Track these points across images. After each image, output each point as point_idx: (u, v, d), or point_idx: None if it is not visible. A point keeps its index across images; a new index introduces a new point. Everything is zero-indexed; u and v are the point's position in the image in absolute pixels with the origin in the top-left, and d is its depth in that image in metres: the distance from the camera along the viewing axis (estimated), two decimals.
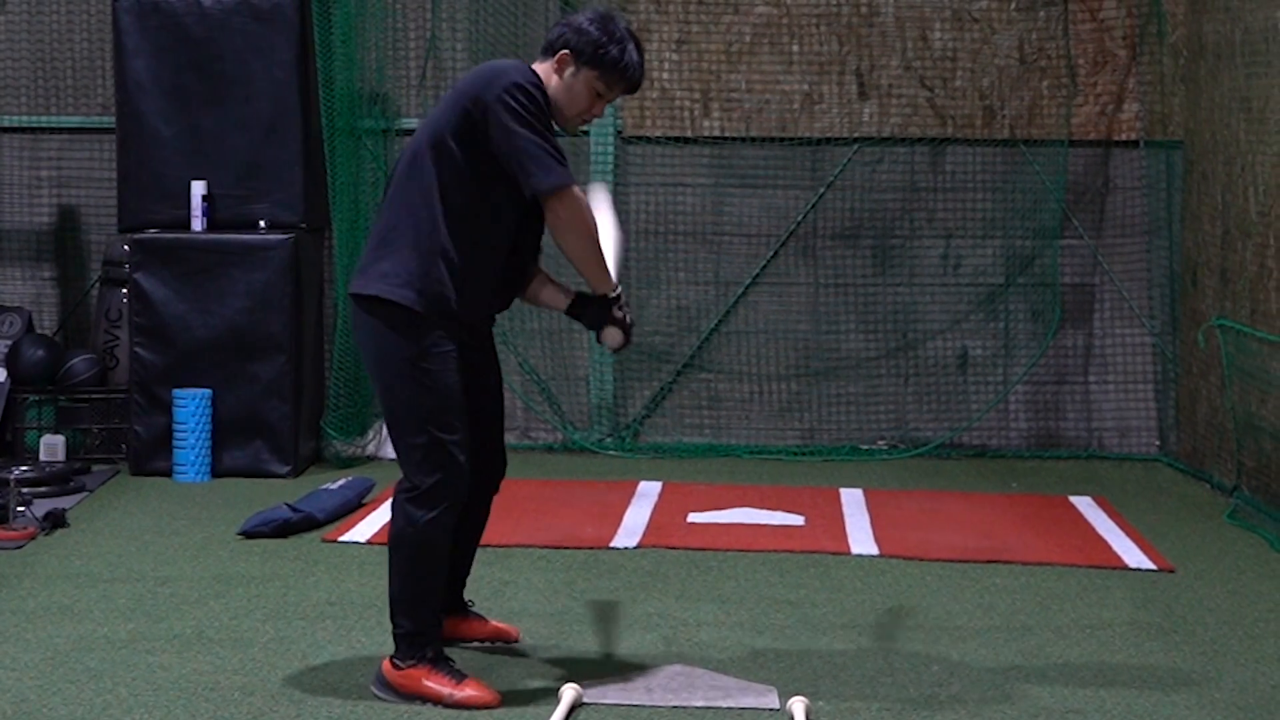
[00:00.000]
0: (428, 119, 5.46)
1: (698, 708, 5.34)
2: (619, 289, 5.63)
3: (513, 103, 5.21)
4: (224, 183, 9.35)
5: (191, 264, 9.16)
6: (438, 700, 5.28)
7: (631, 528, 7.95)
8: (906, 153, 10.31)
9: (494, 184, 5.32)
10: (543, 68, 5.42)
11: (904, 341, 10.35)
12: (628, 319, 5.64)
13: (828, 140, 10.29)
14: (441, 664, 5.35)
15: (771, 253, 10.32)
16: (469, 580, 5.95)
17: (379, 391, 5.44)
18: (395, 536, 5.36)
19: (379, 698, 5.36)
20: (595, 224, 5.44)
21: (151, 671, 5.61)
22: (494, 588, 6.70)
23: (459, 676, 5.33)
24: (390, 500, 5.46)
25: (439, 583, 5.39)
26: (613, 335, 5.64)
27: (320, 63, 9.48)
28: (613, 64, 5.37)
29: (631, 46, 5.40)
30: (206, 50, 9.36)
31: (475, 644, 5.92)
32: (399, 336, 5.29)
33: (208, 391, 9.03)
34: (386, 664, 5.38)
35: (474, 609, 6.01)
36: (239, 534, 7.67)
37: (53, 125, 10.35)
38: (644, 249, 10.34)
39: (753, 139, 10.31)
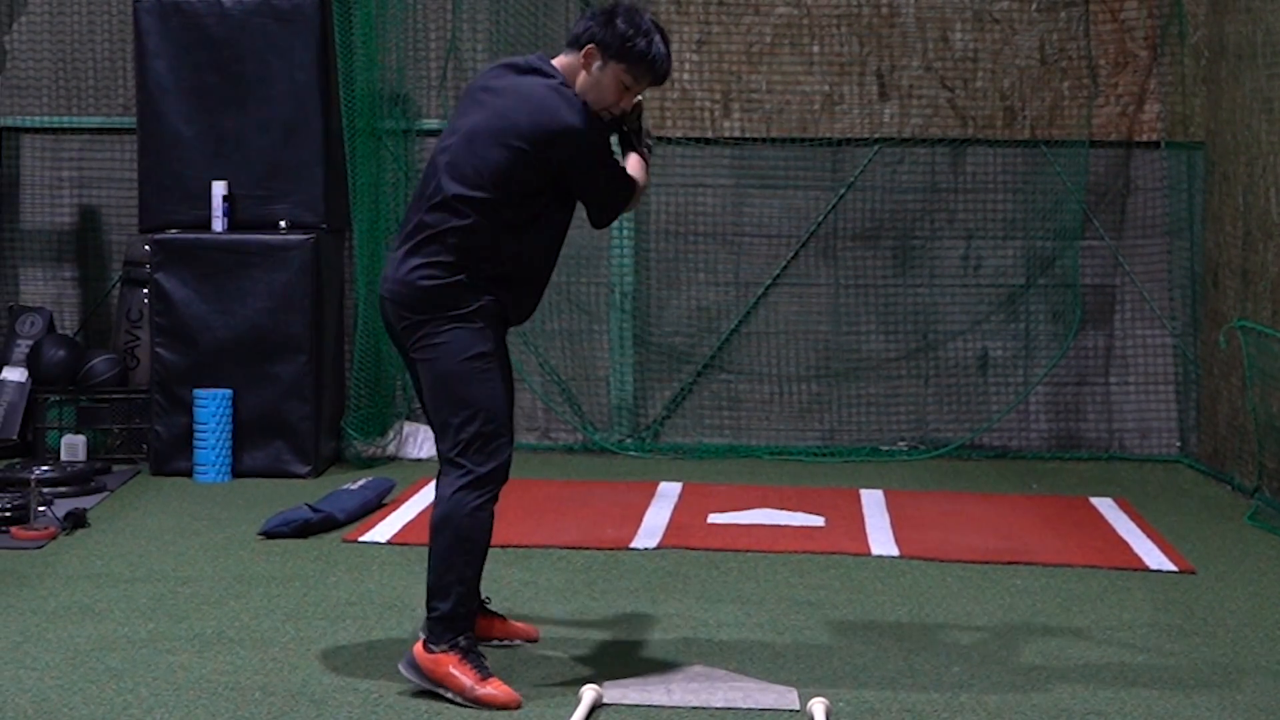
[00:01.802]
0: (458, 140, 5.49)
1: (718, 708, 5.33)
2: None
3: (589, 150, 5.41)
4: (245, 183, 9.37)
5: (212, 264, 9.18)
6: (459, 690, 5.30)
7: (652, 528, 7.95)
8: (927, 153, 10.30)
9: (547, 204, 5.48)
10: (567, 60, 5.45)
11: (924, 342, 10.34)
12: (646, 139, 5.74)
13: (848, 141, 10.28)
14: (472, 656, 5.37)
15: (792, 253, 10.31)
16: (485, 580, 5.95)
17: (433, 380, 5.48)
18: (441, 519, 5.42)
19: (404, 676, 5.39)
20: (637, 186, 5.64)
21: (172, 671, 5.62)
22: (514, 588, 6.70)
23: (485, 673, 5.34)
24: (435, 487, 5.55)
25: (478, 570, 5.45)
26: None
27: (341, 63, 9.50)
28: (640, 56, 5.39)
29: (658, 38, 5.43)
30: (227, 51, 9.38)
31: (494, 643, 5.92)
32: (466, 330, 5.39)
33: (228, 392, 9.05)
34: (419, 645, 5.41)
35: (490, 606, 6.02)
36: (259, 534, 7.68)
37: (74, 126, 10.37)
38: (664, 249, 10.34)
39: (773, 140, 10.31)
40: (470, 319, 5.40)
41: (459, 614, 5.40)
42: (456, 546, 5.38)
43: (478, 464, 5.38)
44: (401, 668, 5.44)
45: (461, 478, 5.39)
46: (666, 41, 5.48)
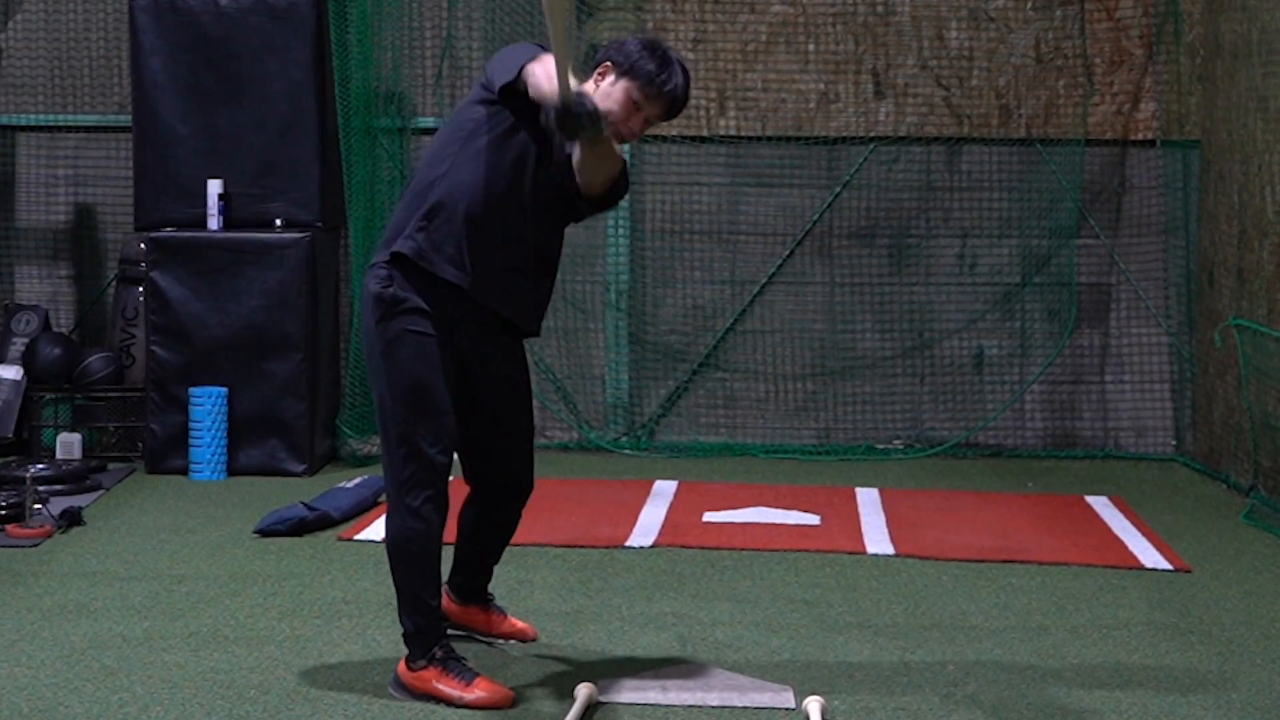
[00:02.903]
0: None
1: (713, 707, 5.34)
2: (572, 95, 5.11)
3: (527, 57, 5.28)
4: (240, 181, 9.36)
5: (208, 262, 9.18)
6: (448, 701, 5.30)
7: (647, 527, 7.96)
8: (922, 152, 10.31)
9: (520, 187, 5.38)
10: (584, 83, 5.41)
11: (920, 341, 10.34)
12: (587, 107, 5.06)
13: (843, 139, 10.29)
14: (452, 665, 5.36)
15: (787, 252, 10.32)
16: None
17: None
18: (387, 544, 5.41)
19: (395, 698, 5.38)
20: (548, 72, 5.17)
21: (167, 669, 5.62)
22: (509, 586, 6.70)
23: (469, 677, 5.33)
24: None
25: (427, 578, 5.37)
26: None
27: (336, 62, 9.49)
28: (649, 76, 5.28)
29: (676, 69, 5.34)
30: (223, 49, 9.37)
31: (491, 641, 5.93)
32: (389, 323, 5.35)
33: (224, 390, 9.05)
34: (402, 665, 5.41)
35: (495, 603, 6.02)
36: (255, 532, 7.68)
37: (69, 124, 10.37)
38: (659, 248, 10.35)
39: (768, 138, 10.31)
40: (411, 315, 5.29)
41: (425, 629, 5.37)
42: (396, 562, 5.37)
43: (395, 472, 5.32)
44: (391, 689, 5.42)
45: (388, 487, 5.37)
46: (687, 75, 5.38)
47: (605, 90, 5.34)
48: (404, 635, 5.40)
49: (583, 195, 5.40)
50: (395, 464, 5.30)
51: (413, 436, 5.27)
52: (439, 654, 5.36)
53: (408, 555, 5.33)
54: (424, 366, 5.29)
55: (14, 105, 10.38)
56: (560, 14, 4.90)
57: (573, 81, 4.99)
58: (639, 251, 10.34)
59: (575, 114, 4.93)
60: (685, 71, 5.39)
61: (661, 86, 5.32)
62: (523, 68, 5.17)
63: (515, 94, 5.21)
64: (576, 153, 5.26)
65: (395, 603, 5.43)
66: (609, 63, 5.38)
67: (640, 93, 5.32)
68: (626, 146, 10.12)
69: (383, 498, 8.30)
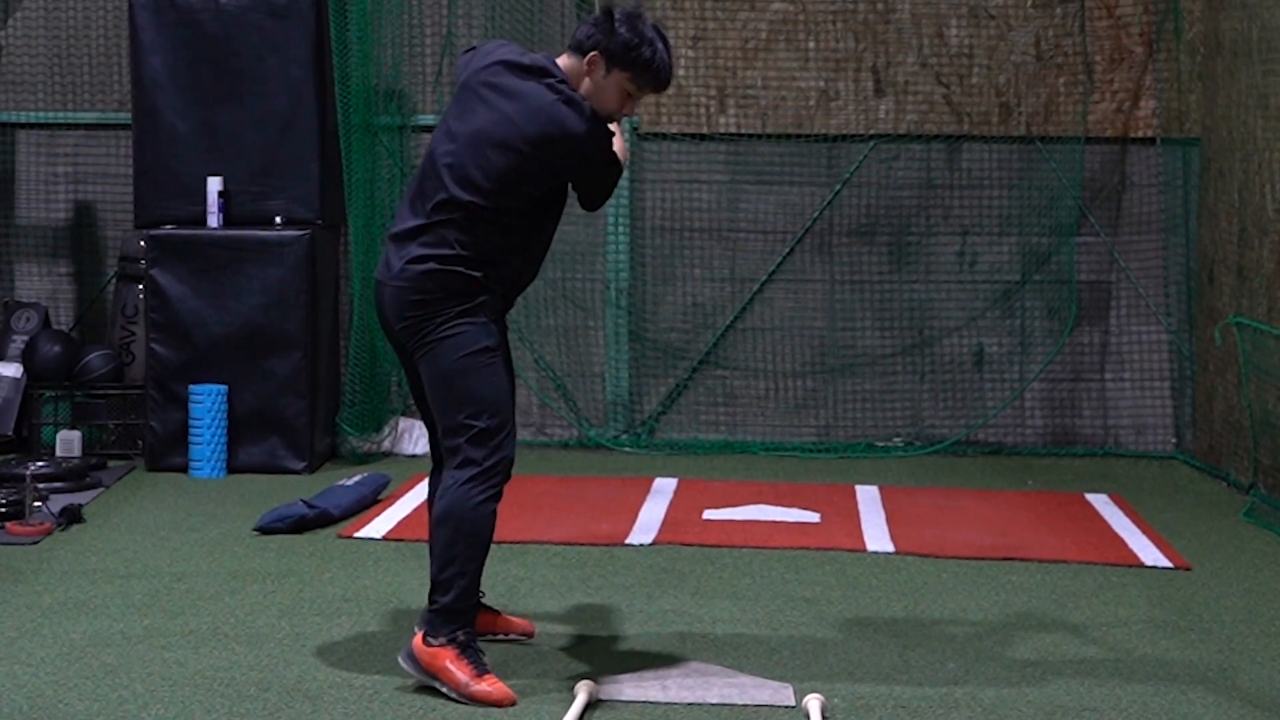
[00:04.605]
0: (461, 143, 5.46)
1: (713, 704, 5.34)
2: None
3: (595, 154, 5.44)
4: (240, 179, 9.36)
5: (207, 260, 9.17)
6: (454, 685, 5.31)
7: (647, 524, 7.95)
8: (923, 149, 10.30)
9: (548, 202, 5.53)
10: (569, 63, 5.44)
11: (920, 338, 10.34)
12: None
13: (844, 137, 10.28)
14: (470, 651, 5.38)
15: (787, 249, 10.32)
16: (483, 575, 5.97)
17: (437, 375, 5.48)
18: (445, 513, 5.43)
19: (404, 669, 5.41)
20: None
21: (167, 667, 5.62)
22: (509, 584, 6.70)
23: (482, 669, 5.35)
24: (428, 482, 5.69)
25: (480, 564, 5.45)
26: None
27: (336, 59, 9.48)
28: (645, 65, 5.40)
29: (661, 47, 5.42)
30: (223, 47, 9.37)
31: (490, 638, 5.92)
32: (469, 325, 5.42)
33: (223, 387, 9.05)
34: (418, 638, 5.43)
35: (484, 600, 6.02)
36: (254, 530, 7.68)
37: (69, 121, 10.36)
38: (660, 245, 10.35)
39: (768, 136, 10.31)
40: (474, 313, 5.41)
41: (459, 608, 5.41)
42: (460, 540, 5.39)
43: (483, 458, 5.39)
44: (400, 659, 5.46)
45: (467, 472, 5.39)
46: (668, 48, 5.47)
47: (599, 84, 5.42)
48: (434, 609, 5.42)
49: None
50: (481, 453, 5.39)
51: (504, 429, 5.42)
52: (461, 637, 5.40)
53: (479, 537, 5.42)
54: (506, 364, 5.50)
55: (14, 103, 10.38)
56: None
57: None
58: (639, 249, 10.34)
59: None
60: (667, 43, 5.49)
61: (656, 73, 5.45)
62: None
63: None
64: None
65: (431, 579, 5.46)
66: (598, 52, 5.40)
67: (633, 83, 5.45)
68: (628, 146, 10.15)
69: (383, 495, 8.33)
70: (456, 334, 5.40)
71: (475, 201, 5.35)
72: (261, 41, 9.36)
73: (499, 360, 5.46)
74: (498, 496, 5.44)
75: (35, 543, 7.35)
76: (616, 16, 5.43)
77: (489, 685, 5.31)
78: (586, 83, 5.42)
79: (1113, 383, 10.33)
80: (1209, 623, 6.43)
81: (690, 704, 5.33)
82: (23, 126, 10.37)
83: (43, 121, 10.35)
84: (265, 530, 7.65)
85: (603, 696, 5.35)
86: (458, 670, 5.33)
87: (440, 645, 5.37)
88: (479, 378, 5.41)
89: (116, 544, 7.40)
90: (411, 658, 5.43)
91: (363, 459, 9.56)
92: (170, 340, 9.15)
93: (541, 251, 5.60)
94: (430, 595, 5.46)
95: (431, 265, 5.38)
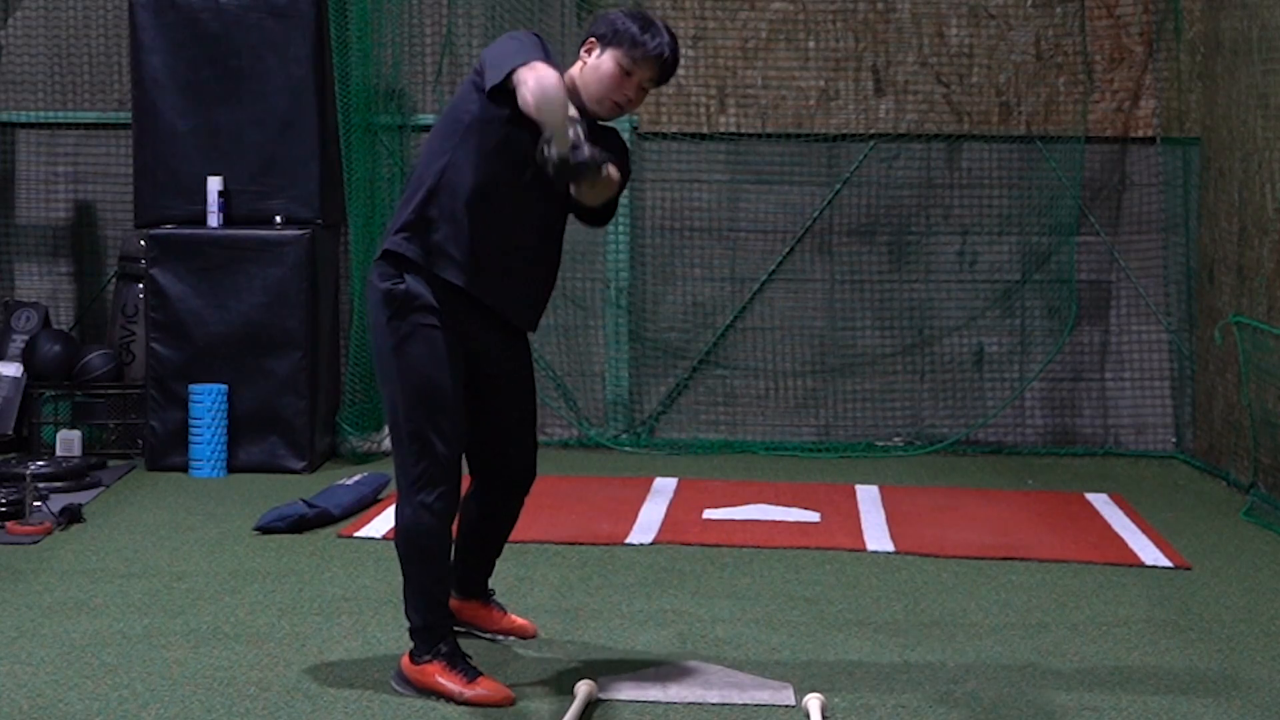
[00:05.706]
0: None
1: (713, 704, 5.33)
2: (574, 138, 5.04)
3: (499, 50, 5.20)
4: (240, 178, 9.36)
5: (208, 259, 9.18)
6: (449, 697, 5.29)
7: (647, 524, 7.95)
8: (923, 149, 10.30)
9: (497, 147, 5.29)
10: (574, 67, 5.41)
11: (920, 338, 10.34)
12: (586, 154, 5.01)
13: (844, 136, 10.28)
14: (456, 661, 5.36)
15: (787, 249, 10.32)
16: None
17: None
18: (396, 533, 5.40)
19: (397, 692, 5.38)
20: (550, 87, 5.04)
21: (167, 666, 5.61)
22: (509, 583, 6.70)
23: (472, 674, 5.33)
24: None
25: (437, 575, 5.38)
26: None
27: (336, 59, 9.49)
28: (633, 39, 5.28)
29: (660, 28, 5.36)
30: (223, 46, 9.37)
31: (491, 637, 5.93)
32: (401, 320, 5.34)
33: (224, 387, 9.05)
34: (405, 659, 5.41)
35: (495, 599, 6.03)
36: (254, 529, 7.68)
37: (69, 121, 10.36)
38: (660, 245, 10.35)
39: (768, 135, 10.31)
40: (413, 307, 5.29)
41: (431, 624, 5.37)
42: (407, 556, 5.36)
43: (409, 464, 5.32)
44: (393, 683, 5.43)
45: (400, 483, 5.36)
46: (674, 38, 5.40)
47: (594, 64, 5.34)
48: (410, 630, 5.40)
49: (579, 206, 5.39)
50: (408, 460, 5.30)
51: (425, 433, 5.27)
52: (444, 649, 5.36)
53: (419, 550, 5.33)
54: (435, 363, 5.29)
55: (14, 102, 10.38)
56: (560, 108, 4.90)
57: (570, 130, 4.92)
58: (639, 248, 10.34)
59: (573, 166, 4.92)
60: (672, 34, 5.39)
61: (646, 46, 5.30)
62: (513, 70, 5.06)
63: (505, 93, 5.16)
64: (573, 187, 5.19)
65: (400, 598, 5.44)
66: (593, 38, 5.38)
67: (627, 57, 5.31)
68: (628, 145, 10.15)
69: (383, 494, 8.33)
70: (394, 332, 5.32)
71: (442, 164, 5.31)
72: (261, 41, 9.37)
73: (431, 355, 5.30)
74: (437, 502, 5.28)
75: (35, 542, 7.35)
76: (619, 10, 5.43)
77: (484, 688, 5.30)
78: (579, 66, 5.37)
79: (1113, 382, 10.34)
80: (1209, 622, 6.43)
81: (690, 704, 5.33)
82: (23, 126, 10.37)
83: (43, 121, 10.35)
84: (265, 530, 7.65)
85: (602, 696, 5.34)
86: (449, 682, 5.31)
87: (426, 662, 5.35)
88: (398, 377, 5.31)
89: (116, 544, 7.40)
90: (403, 679, 5.40)
91: (363, 458, 9.56)
92: (170, 340, 9.15)
93: (525, 252, 5.43)
94: (406, 615, 5.43)
95: (393, 261, 5.35)
